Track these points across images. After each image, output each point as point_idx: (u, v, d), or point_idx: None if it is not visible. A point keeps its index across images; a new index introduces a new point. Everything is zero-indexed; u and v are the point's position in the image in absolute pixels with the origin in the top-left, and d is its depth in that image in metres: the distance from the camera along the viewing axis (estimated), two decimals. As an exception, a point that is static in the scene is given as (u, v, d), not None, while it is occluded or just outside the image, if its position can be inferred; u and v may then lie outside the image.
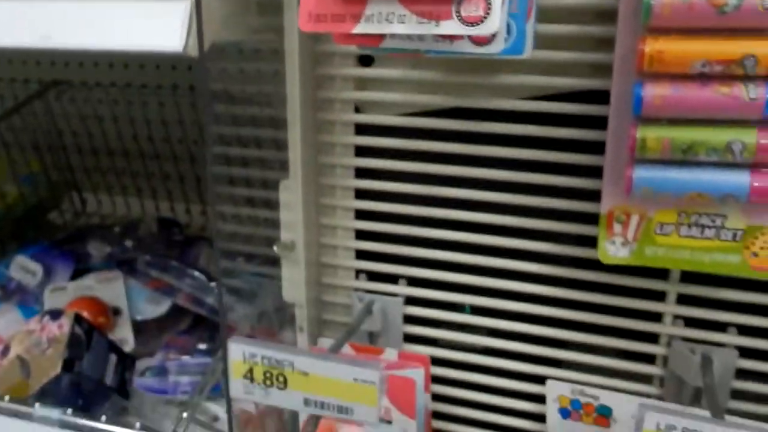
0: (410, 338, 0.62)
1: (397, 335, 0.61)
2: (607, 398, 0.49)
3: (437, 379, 0.62)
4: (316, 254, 0.62)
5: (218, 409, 0.82)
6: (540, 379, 0.59)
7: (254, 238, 0.69)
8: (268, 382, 0.47)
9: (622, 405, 0.46)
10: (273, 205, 0.62)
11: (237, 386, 0.48)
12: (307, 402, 0.47)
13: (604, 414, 0.46)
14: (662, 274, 0.53)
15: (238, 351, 0.47)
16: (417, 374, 0.55)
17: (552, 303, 0.57)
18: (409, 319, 0.61)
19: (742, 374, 0.52)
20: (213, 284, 0.94)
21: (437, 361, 0.61)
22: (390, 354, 0.59)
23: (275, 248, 0.61)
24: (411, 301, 0.61)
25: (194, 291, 0.92)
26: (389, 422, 0.56)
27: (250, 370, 0.47)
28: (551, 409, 0.48)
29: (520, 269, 0.57)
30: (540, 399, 0.59)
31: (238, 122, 0.65)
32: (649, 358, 0.55)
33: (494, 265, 0.57)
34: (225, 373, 0.48)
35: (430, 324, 0.61)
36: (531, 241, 0.56)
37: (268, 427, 0.82)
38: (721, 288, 0.51)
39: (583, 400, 0.47)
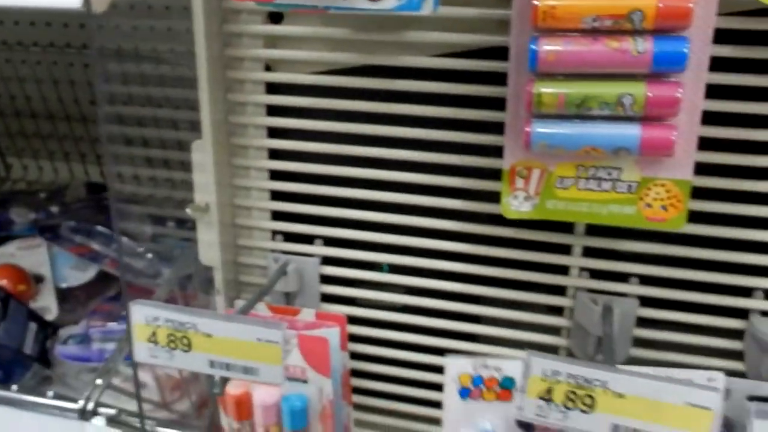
0: (328, 298, 0.62)
1: (314, 295, 0.61)
2: (510, 368, 0.47)
3: (356, 338, 0.62)
4: (230, 216, 0.61)
5: (145, 375, 0.82)
6: (456, 335, 0.60)
7: (171, 200, 0.67)
8: (172, 345, 0.47)
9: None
10: (187, 166, 0.61)
11: (141, 350, 0.47)
12: (212, 364, 0.46)
13: (507, 386, 0.46)
14: (568, 228, 0.54)
15: (140, 314, 0.46)
16: (331, 333, 0.55)
17: (465, 259, 0.57)
18: (326, 279, 0.61)
19: (643, 323, 0.54)
20: (141, 249, 0.93)
21: (355, 320, 0.62)
22: (307, 314, 0.59)
23: (188, 210, 0.60)
24: (327, 261, 0.61)
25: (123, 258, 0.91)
26: (305, 381, 0.56)
27: (154, 333, 0.46)
28: (450, 391, 0.46)
29: (433, 227, 0.57)
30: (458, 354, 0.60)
31: (148, 82, 0.64)
32: (557, 311, 0.57)
33: (408, 223, 0.58)
34: (129, 336, 0.47)
35: (347, 283, 0.61)
36: (442, 198, 0.56)
37: (193, 392, 0.82)
38: (624, 239, 0.53)
39: (485, 374, 0.46)
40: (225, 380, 0.49)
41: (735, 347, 0.54)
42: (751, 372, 0.54)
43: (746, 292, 0.52)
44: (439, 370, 0.60)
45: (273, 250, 0.61)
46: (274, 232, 0.61)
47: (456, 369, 0.46)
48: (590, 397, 0.39)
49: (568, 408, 0.39)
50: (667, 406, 0.38)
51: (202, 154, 0.58)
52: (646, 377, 0.38)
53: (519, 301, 0.57)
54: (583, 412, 0.39)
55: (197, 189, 0.60)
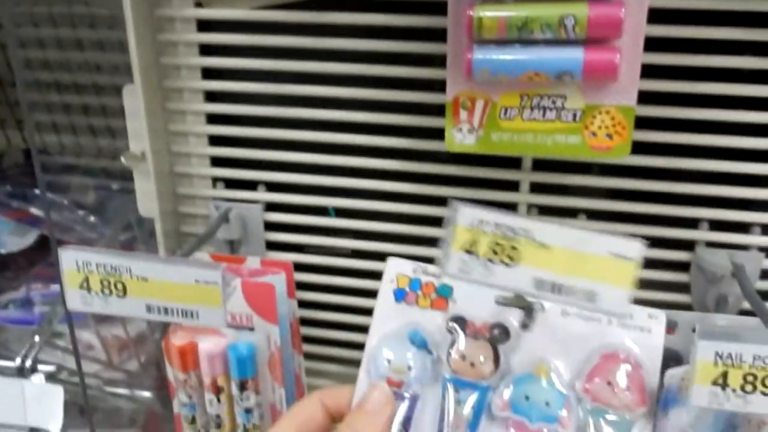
0: (274, 246, 0.60)
1: (259, 243, 0.59)
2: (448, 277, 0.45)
3: (304, 286, 0.61)
4: (168, 164, 0.58)
5: (90, 336, 0.79)
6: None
7: (107, 151, 0.64)
8: (106, 291, 0.44)
9: (463, 284, 0.43)
10: (119, 113, 0.58)
11: (74, 297, 0.45)
12: (149, 308, 0.44)
13: (443, 294, 0.44)
14: (515, 163, 0.53)
15: (70, 259, 0.44)
16: (277, 280, 0.54)
17: (413, 200, 0.56)
18: (271, 226, 0.59)
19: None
20: (82, 212, 0.90)
21: (303, 268, 0.60)
22: (252, 262, 0.58)
23: (123, 159, 0.57)
24: (271, 207, 0.59)
25: (63, 220, 0.87)
26: (251, 329, 0.55)
27: (86, 280, 0.44)
28: (385, 290, 0.44)
29: (379, 167, 0.56)
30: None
31: (75, 23, 0.60)
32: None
33: (353, 165, 0.56)
34: (60, 284, 0.45)
35: (293, 230, 0.60)
36: (387, 137, 0.54)
37: (142, 352, 0.79)
38: (570, 174, 0.52)
39: (424, 279, 0.44)
40: (166, 325, 0.47)
41: (681, 280, 0.54)
42: (697, 304, 0.54)
43: (692, 223, 0.53)
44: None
45: (215, 198, 0.59)
46: (215, 179, 0.59)
47: (396, 268, 0.45)
48: (514, 248, 0.38)
49: (491, 261, 0.38)
50: (591, 257, 0.37)
51: (133, 99, 0.55)
52: (570, 227, 0.37)
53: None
54: (507, 265, 0.38)
55: (131, 137, 0.57)
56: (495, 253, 0.38)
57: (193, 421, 0.58)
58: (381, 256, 0.58)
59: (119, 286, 0.44)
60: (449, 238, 0.39)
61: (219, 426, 0.57)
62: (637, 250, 0.37)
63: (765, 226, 0.52)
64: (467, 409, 0.42)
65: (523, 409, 0.41)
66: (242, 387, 0.55)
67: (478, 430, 0.42)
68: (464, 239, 0.38)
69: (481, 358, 0.42)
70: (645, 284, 0.54)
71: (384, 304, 0.44)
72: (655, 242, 0.53)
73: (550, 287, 0.38)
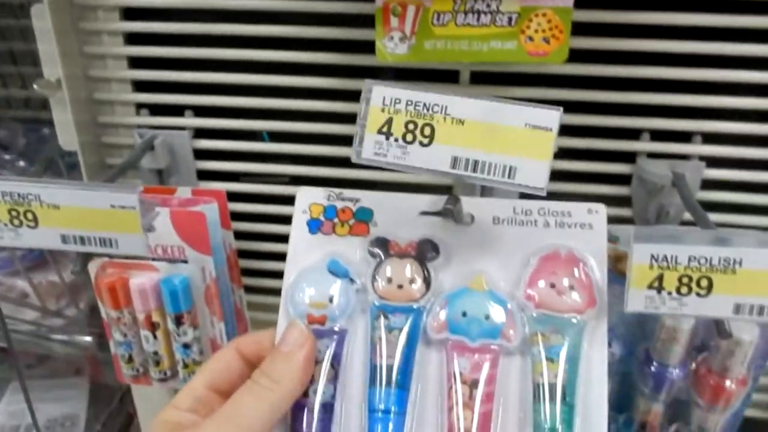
0: (206, 175, 0.57)
1: (189, 172, 0.56)
2: (369, 199, 0.41)
3: (241, 216, 0.59)
4: (85, 90, 0.55)
5: (23, 284, 0.76)
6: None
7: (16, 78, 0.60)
8: (16, 222, 0.41)
9: (383, 203, 0.41)
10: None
11: (-20, 231, 0.42)
12: (65, 239, 0.42)
13: (363, 218, 0.41)
14: (453, 77, 0.51)
15: (-28, 190, 0.41)
16: (208, 209, 0.51)
17: (350, 120, 0.54)
18: (201, 154, 0.56)
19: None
20: (10, 157, 0.85)
21: (239, 197, 0.58)
22: (183, 192, 0.55)
23: (36, 87, 0.53)
24: (200, 133, 0.56)
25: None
26: (185, 261, 0.52)
27: (-8, 211, 0.41)
28: (298, 222, 0.41)
29: (311, 85, 0.53)
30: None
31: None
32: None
33: (284, 84, 0.53)
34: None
35: (224, 157, 0.57)
36: (316, 53, 0.51)
37: (82, 297, 0.77)
38: (509, 86, 0.50)
39: (340, 205, 0.41)
40: (86, 257, 0.44)
41: (622, 193, 0.53)
42: (639, 217, 0.54)
43: (633, 134, 0.51)
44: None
45: (139, 126, 0.56)
46: (138, 106, 0.56)
47: (308, 198, 0.41)
48: (429, 126, 0.36)
49: (407, 142, 0.36)
50: (508, 129, 0.35)
51: (42, 21, 0.51)
52: (485, 99, 0.35)
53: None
54: (423, 145, 0.36)
55: (44, 62, 0.53)
56: (410, 131, 0.36)
57: (130, 360, 0.56)
58: (323, 182, 0.57)
59: (29, 215, 0.41)
60: (364, 120, 0.36)
61: (157, 363, 0.56)
62: (554, 119, 0.35)
63: (706, 134, 0.51)
64: (400, 336, 0.38)
65: (461, 328, 0.38)
66: (178, 322, 0.53)
67: (414, 357, 0.38)
68: (379, 120, 0.36)
69: (410, 279, 0.39)
70: (586, 199, 0.53)
71: (298, 237, 0.41)
72: (596, 155, 0.52)
73: (468, 165, 0.36)
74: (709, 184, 0.52)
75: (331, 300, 0.39)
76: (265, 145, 0.56)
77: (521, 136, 0.35)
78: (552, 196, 0.53)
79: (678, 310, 0.37)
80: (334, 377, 0.38)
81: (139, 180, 0.57)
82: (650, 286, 0.36)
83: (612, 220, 0.53)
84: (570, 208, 0.40)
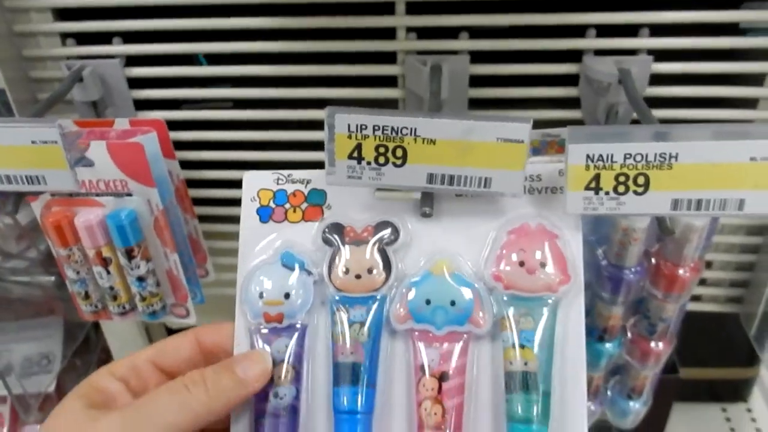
0: (144, 104, 0.55)
1: (125, 103, 0.54)
2: (320, 179, 0.39)
3: (187, 145, 0.57)
4: (5, 22, 0.52)
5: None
6: (293, 125, 0.55)
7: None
8: (-63, 166, 0.40)
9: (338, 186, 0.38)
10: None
11: None
12: (-8, 180, 0.40)
13: (316, 202, 0.38)
14: (389, 8, 0.49)
15: None
16: (146, 140, 0.50)
17: (287, 36, 0.51)
18: (135, 83, 0.54)
19: (477, 81, 0.51)
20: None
21: (182, 125, 0.56)
22: (121, 124, 0.53)
23: (-49, 21, 0.50)
24: (132, 61, 0.53)
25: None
26: (129, 194, 0.51)
27: None
28: (247, 211, 0.38)
29: (244, 2, 0.50)
30: (295, 146, 0.56)
31: None
32: (390, 82, 0.53)
33: (216, 2, 0.50)
34: None
35: (160, 84, 0.54)
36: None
37: (41, 238, 0.76)
38: (447, 15, 0.48)
39: (290, 188, 0.38)
40: (17, 197, 0.43)
41: (571, 94, 0.52)
42: (588, 118, 0.53)
43: (578, 31, 0.50)
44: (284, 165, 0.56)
45: (67, 57, 0.53)
46: (64, 35, 0.53)
47: (255, 184, 0.39)
48: (401, 148, 0.35)
49: (379, 164, 0.36)
50: (479, 145, 0.35)
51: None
52: (454, 117, 0.35)
53: (351, 76, 0.53)
54: (396, 165, 0.36)
55: (-45, -8, 0.50)
56: (382, 155, 0.35)
57: (87, 296, 0.56)
58: (267, 103, 0.55)
59: (-51, 158, 0.40)
60: (332, 146, 0.35)
61: (115, 298, 0.55)
62: (525, 131, 0.34)
63: (653, 26, 0.49)
64: (362, 330, 0.36)
65: (426, 317, 0.35)
66: (129, 255, 0.52)
67: (379, 351, 0.36)
68: (347, 146, 0.35)
69: (368, 268, 0.36)
70: (535, 102, 0.52)
71: (249, 228, 0.38)
72: (542, 56, 0.51)
73: (444, 179, 0.36)
74: (658, 79, 0.50)
75: (287, 296, 0.36)
76: (203, 68, 0.54)
77: (494, 150, 0.34)
78: (506, 103, 0.52)
79: (617, 210, 0.37)
80: (295, 378, 0.36)
81: (76, 114, 0.55)
82: (587, 187, 0.36)
83: (562, 123, 0.52)
84: (539, 171, 0.37)
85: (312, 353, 0.37)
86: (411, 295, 0.35)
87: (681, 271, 0.46)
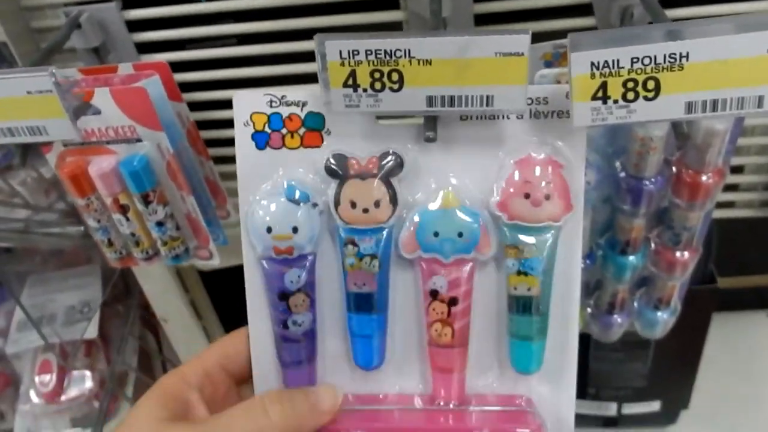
0: (146, 47, 0.55)
1: (127, 47, 0.54)
2: (316, 101, 0.37)
3: (194, 86, 0.56)
4: (-1, -27, 0.51)
5: (13, 182, 0.76)
6: (301, 57, 0.54)
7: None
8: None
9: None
10: None
11: None
12: (-5, 133, 0.40)
13: (314, 127, 0.36)
14: None
15: None
16: (149, 83, 0.49)
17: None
18: (135, 26, 0.53)
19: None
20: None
21: (188, 66, 0.55)
22: (124, 69, 0.52)
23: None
24: (130, 3, 0.52)
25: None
26: (139, 140, 0.51)
27: None
28: (242, 137, 0.37)
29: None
30: (304, 79, 0.55)
31: None
32: (393, 4, 0.51)
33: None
34: None
35: (161, 25, 0.53)
36: None
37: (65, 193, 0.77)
38: None
39: (285, 112, 0.36)
40: (24, 149, 0.43)
41: (582, 1, 0.49)
42: (602, 23, 0.50)
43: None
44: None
45: (65, 5, 0.52)
46: (59, -18, 0.52)
47: (247, 107, 0.37)
48: (396, 72, 0.34)
49: (376, 90, 0.35)
50: (478, 61, 0.33)
51: None
52: (448, 35, 0.33)
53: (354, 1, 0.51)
54: (394, 90, 0.34)
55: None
56: (377, 80, 0.33)
57: (110, 244, 0.57)
58: (272, 37, 0.54)
59: (-49, 114, 0.40)
60: (325, 75, 0.33)
61: (137, 244, 0.56)
62: (524, 43, 0.32)
63: None
64: (373, 262, 0.37)
65: (434, 247, 0.36)
66: (145, 201, 0.53)
67: (388, 279, 0.37)
68: (341, 74, 0.34)
69: (375, 201, 0.36)
70: (545, 13, 0.49)
71: (245, 155, 0.37)
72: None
73: (444, 101, 0.34)
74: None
75: (295, 230, 0.36)
76: (202, 5, 0.53)
77: (493, 66, 0.33)
78: (510, 16, 0.50)
79: (627, 119, 0.35)
80: (310, 305, 0.38)
81: (80, 63, 0.54)
82: (594, 97, 0.34)
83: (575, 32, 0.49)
84: (545, 94, 0.36)
85: (323, 279, 0.38)
86: (419, 227, 0.36)
87: (704, 178, 0.44)
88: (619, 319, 0.57)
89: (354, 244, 0.36)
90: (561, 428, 0.37)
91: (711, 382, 0.82)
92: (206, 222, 0.56)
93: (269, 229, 0.36)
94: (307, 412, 0.36)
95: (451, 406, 0.37)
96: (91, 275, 0.88)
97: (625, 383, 0.82)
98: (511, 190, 0.35)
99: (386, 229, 0.36)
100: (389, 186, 0.36)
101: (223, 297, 0.84)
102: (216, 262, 0.58)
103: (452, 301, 0.36)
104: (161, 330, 0.88)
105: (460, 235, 0.36)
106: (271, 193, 0.37)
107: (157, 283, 0.75)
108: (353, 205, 0.36)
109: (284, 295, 0.37)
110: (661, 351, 0.78)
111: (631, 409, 0.85)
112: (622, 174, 0.45)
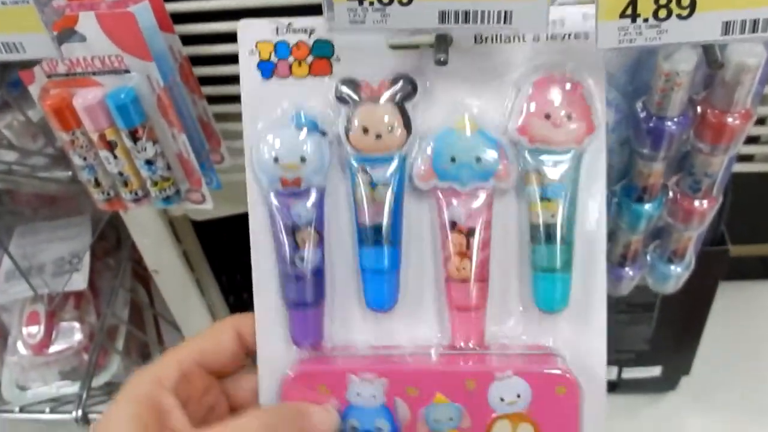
0: (136, -27, 0.51)
1: (115, -29, 0.50)
2: (324, 29, 0.35)
3: (187, 17, 0.53)
4: None
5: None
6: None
7: None
8: None
9: (345, 36, 0.34)
10: None
11: None
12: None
13: (322, 54, 0.34)
14: None
15: None
16: (138, 9, 0.46)
17: None
18: (124, -52, 0.50)
19: None
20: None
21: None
22: (113, -5, 0.49)
23: None
24: None
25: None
26: (127, 71, 0.48)
27: None
28: (246, 67, 0.36)
29: None
30: (306, 10, 0.51)
31: None
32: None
33: None
34: None
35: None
36: None
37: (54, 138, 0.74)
38: None
39: (292, 39, 0.34)
40: (1, 69, 0.40)
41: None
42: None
43: None
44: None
45: (48, -76, 0.49)
46: None
47: (252, 35, 0.35)
48: None
49: (383, 3, 0.31)
50: None
51: None
52: None
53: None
54: (402, 3, 0.31)
55: None
56: None
57: (97, 183, 0.54)
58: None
59: None
60: None
61: (126, 184, 0.53)
62: None
63: None
64: (386, 192, 0.34)
65: (451, 174, 0.34)
66: (134, 137, 0.50)
67: (402, 210, 0.35)
68: None
69: (388, 126, 0.34)
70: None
71: (251, 85, 0.36)
72: None
73: (458, 17, 0.31)
74: None
75: (303, 159, 0.34)
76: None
77: None
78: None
79: (657, 40, 0.32)
80: (319, 241, 0.35)
81: (65, -11, 0.51)
82: (623, 15, 0.31)
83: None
84: (562, 15, 0.33)
85: (331, 215, 0.36)
86: (435, 152, 0.34)
87: (729, 119, 0.41)
88: (630, 272, 0.54)
89: (366, 172, 0.34)
90: (590, 378, 0.34)
91: (713, 350, 0.81)
92: (199, 165, 0.54)
93: (276, 159, 0.35)
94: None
95: (471, 346, 0.35)
96: (80, 226, 0.85)
97: (627, 347, 0.80)
98: (532, 110, 0.33)
99: (400, 157, 0.34)
100: (403, 111, 0.34)
101: (217, 248, 0.82)
102: (209, 206, 0.56)
103: (471, 232, 0.34)
104: (153, 283, 0.86)
105: (478, 160, 0.33)
106: (279, 123, 0.35)
107: (148, 233, 0.73)
108: (365, 130, 0.34)
109: (291, 230, 0.35)
110: (666, 314, 0.76)
111: (632, 373, 0.83)
112: (643, 114, 0.42)
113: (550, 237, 0.33)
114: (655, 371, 0.83)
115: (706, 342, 0.78)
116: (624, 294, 0.60)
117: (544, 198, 0.33)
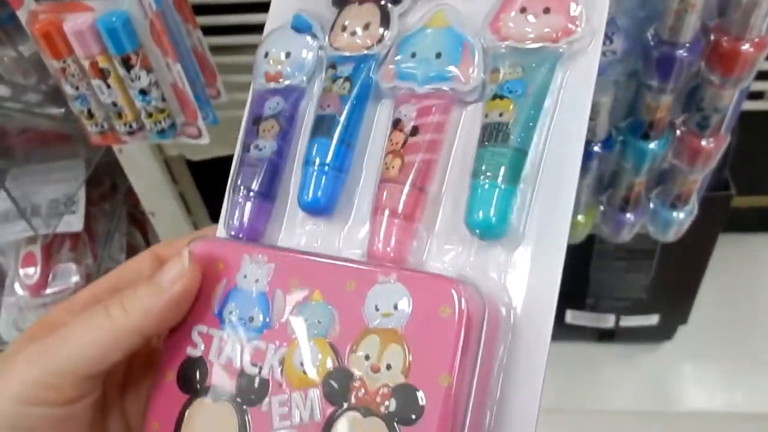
0: None
1: None
2: None
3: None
4: None
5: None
6: None
7: None
8: None
9: None
10: None
11: None
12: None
13: None
14: None
15: None
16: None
17: None
18: None
19: None
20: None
21: None
22: None
23: None
24: None
25: None
26: (119, -5, 0.46)
27: None
28: None
29: None
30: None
31: None
32: None
33: None
34: None
35: None
36: None
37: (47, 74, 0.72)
38: None
39: None
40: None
41: None
42: None
43: None
44: None
45: None
46: None
47: None
48: None
49: None
50: None
51: None
52: None
53: None
54: None
55: None
56: None
57: (90, 115, 0.53)
58: None
59: None
60: None
61: (120, 115, 0.52)
62: None
63: None
64: (343, 84, 0.32)
65: (410, 73, 0.31)
66: (127, 65, 0.48)
67: (361, 111, 0.32)
68: None
69: (365, 24, 0.32)
70: None
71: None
72: None
73: None
74: None
75: (288, 55, 0.34)
76: None
77: None
78: None
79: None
80: (280, 135, 0.34)
81: None
82: None
83: None
84: None
85: (304, 117, 0.35)
86: (398, 48, 0.32)
87: (744, 47, 0.39)
88: (632, 218, 0.53)
89: (334, 68, 0.33)
90: (531, 326, 0.28)
91: (711, 301, 0.81)
92: (195, 98, 0.52)
93: (266, 54, 0.35)
94: (148, 293, 0.30)
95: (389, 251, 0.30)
96: (74, 169, 0.84)
97: (624, 294, 0.80)
98: (509, 7, 0.30)
99: (369, 56, 0.32)
100: (384, 11, 0.33)
101: (213, 190, 0.81)
102: (205, 141, 0.54)
103: (413, 131, 0.30)
104: (150, 227, 0.85)
105: (438, 55, 0.30)
106: (282, 28, 0.36)
107: (144, 174, 0.71)
108: (343, 28, 0.33)
109: (257, 120, 0.34)
110: (665, 261, 0.75)
111: (629, 321, 0.83)
112: (654, 42, 0.41)
113: (494, 137, 0.28)
114: (653, 320, 0.83)
115: (704, 292, 0.77)
116: (625, 241, 0.59)
117: (497, 95, 0.29)
